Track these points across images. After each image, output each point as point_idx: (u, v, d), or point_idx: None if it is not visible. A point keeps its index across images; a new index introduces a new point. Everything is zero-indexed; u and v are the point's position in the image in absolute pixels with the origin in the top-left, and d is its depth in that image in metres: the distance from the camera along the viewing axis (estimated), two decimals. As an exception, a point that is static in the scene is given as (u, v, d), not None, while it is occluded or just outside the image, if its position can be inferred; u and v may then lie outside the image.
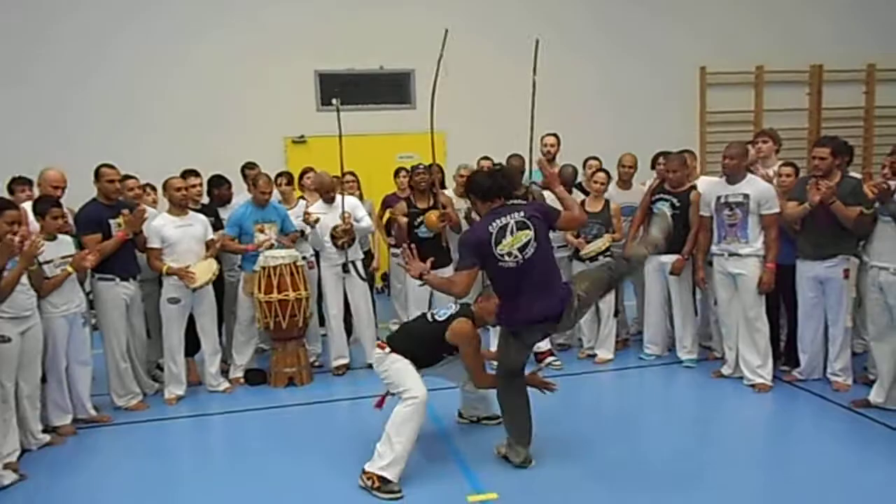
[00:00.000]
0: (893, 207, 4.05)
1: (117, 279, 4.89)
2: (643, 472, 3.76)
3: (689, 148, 6.14)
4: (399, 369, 3.79)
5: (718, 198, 4.96)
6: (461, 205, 5.68)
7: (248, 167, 6.30)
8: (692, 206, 5.27)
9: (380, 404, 3.96)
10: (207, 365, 5.37)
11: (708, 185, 5.21)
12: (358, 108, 8.46)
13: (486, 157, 6.22)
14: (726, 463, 3.85)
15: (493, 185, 3.64)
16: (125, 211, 4.93)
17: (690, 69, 9.66)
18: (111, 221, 4.88)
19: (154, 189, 5.93)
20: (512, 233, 3.54)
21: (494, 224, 3.56)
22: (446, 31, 5.11)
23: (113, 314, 4.91)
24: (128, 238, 4.88)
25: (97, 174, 4.91)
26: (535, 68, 5.21)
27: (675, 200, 5.31)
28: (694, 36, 9.53)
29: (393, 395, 3.81)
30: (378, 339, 6.08)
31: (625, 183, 5.89)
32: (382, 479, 3.56)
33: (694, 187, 5.37)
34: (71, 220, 4.97)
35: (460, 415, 4.55)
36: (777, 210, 4.79)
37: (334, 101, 5.44)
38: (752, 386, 4.93)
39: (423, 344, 3.92)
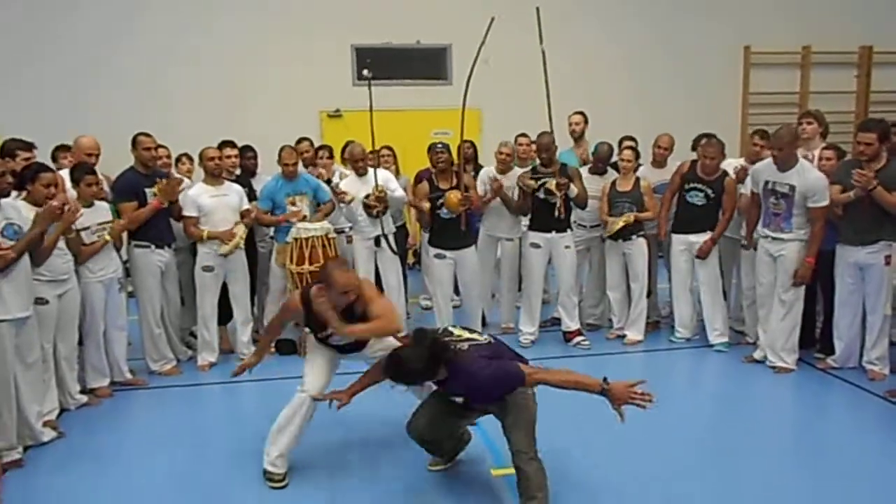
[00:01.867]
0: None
1: (153, 246, 4.99)
2: (666, 454, 3.73)
3: (730, 130, 6.00)
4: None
5: (766, 182, 4.81)
6: (506, 182, 5.65)
7: (299, 142, 6.33)
8: (726, 194, 5.17)
9: None
10: (239, 333, 5.46)
11: (761, 165, 4.96)
12: (393, 84, 8.44)
13: (523, 134, 6.16)
14: (754, 449, 3.80)
15: (426, 369, 3.05)
16: (160, 180, 5.02)
17: (734, 48, 9.43)
18: (147, 190, 4.97)
19: (190, 159, 6.01)
20: None
21: None
22: (492, 18, 5.04)
23: (148, 281, 5.01)
24: (163, 206, 4.97)
25: (134, 142, 4.99)
26: (541, 37, 5.08)
27: (709, 191, 5.22)
28: (739, 14, 9.30)
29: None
30: (408, 313, 6.16)
31: (659, 164, 5.79)
32: None
33: (726, 174, 5.26)
34: (107, 188, 5.07)
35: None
36: (826, 203, 4.59)
37: (366, 72, 5.41)
38: (773, 368, 4.86)
39: None
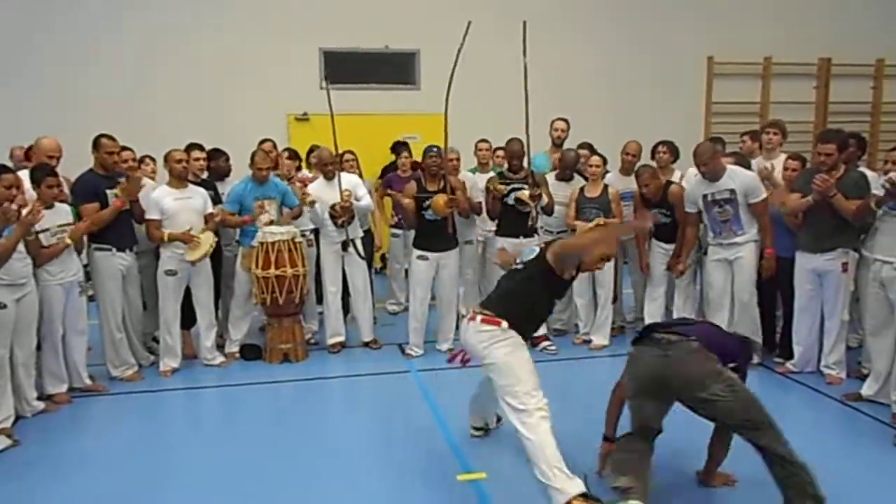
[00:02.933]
0: (903, 204, 4.02)
1: (114, 249, 4.90)
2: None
3: (694, 138, 6.14)
4: (521, 361, 3.27)
5: (705, 196, 4.97)
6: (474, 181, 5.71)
7: (262, 142, 6.28)
8: (676, 207, 5.30)
9: (460, 360, 3.66)
10: (203, 338, 5.39)
11: (690, 185, 5.20)
12: (361, 88, 8.42)
13: (483, 140, 6.24)
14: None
15: None
16: (121, 180, 4.93)
17: (698, 58, 9.60)
18: (108, 192, 4.87)
19: (154, 160, 5.91)
20: None
21: None
22: (469, 22, 5.07)
23: (109, 284, 4.91)
24: (124, 206, 4.88)
25: (95, 144, 4.90)
26: (525, 51, 5.15)
27: (665, 210, 5.35)
28: (702, 25, 9.48)
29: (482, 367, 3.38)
30: (375, 318, 6.13)
31: (627, 171, 5.87)
32: (584, 497, 2.98)
33: (670, 183, 5.41)
34: (67, 189, 4.96)
35: (475, 428, 4.00)
36: (764, 195, 4.86)
37: (324, 83, 5.41)
38: None
39: (531, 296, 3.39)
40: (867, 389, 4.44)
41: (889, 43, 9.80)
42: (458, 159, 6.00)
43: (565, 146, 6.11)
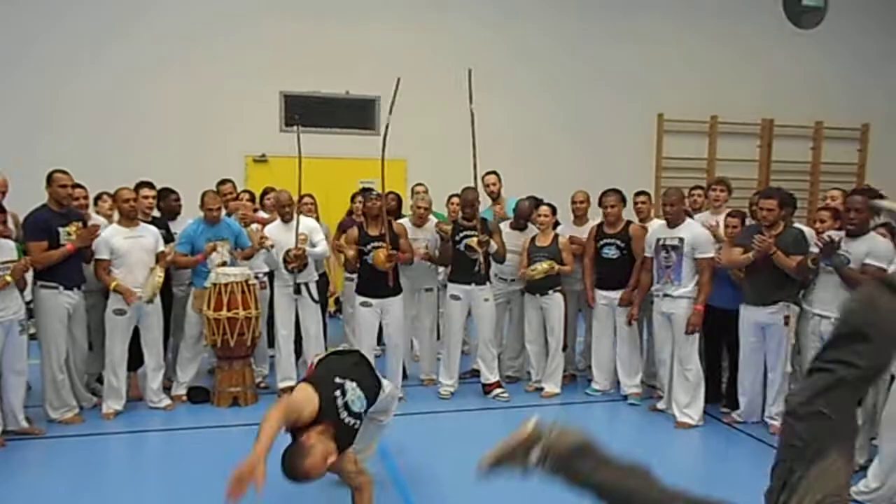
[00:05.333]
0: (837, 261, 4.20)
1: (61, 287, 4.78)
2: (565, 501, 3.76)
3: (645, 190, 6.30)
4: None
5: (658, 240, 5.13)
6: (418, 235, 5.74)
7: (222, 183, 6.24)
8: (634, 240, 5.43)
9: None
10: (150, 380, 5.25)
11: (653, 228, 5.36)
12: (321, 131, 8.48)
13: (420, 184, 6.35)
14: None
15: None
16: (78, 223, 4.84)
17: (650, 115, 9.96)
18: (60, 229, 4.78)
19: (111, 196, 5.82)
20: None
21: None
22: (398, 79, 5.19)
23: (53, 324, 4.78)
24: (76, 251, 4.78)
25: (49, 179, 4.82)
26: (471, 97, 5.28)
27: (618, 242, 5.49)
28: (654, 83, 9.86)
29: None
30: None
31: (579, 219, 6.01)
32: None
33: (630, 222, 5.55)
34: (11, 225, 4.84)
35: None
36: (710, 255, 4.98)
37: (295, 126, 5.43)
38: (676, 423, 5.05)
39: None
40: (808, 440, 4.55)
41: (827, 106, 10.35)
42: (427, 209, 5.87)
43: (519, 195, 6.21)
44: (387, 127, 5.18)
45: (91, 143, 7.92)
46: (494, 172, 6.33)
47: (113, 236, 4.98)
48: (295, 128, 5.44)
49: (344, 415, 2.98)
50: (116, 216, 5.32)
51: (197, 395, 5.46)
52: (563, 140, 9.55)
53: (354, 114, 9.07)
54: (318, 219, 6.56)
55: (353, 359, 3.45)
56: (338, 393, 3.00)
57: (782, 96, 10.19)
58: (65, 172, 4.86)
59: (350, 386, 3.08)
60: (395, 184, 5.54)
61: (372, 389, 3.28)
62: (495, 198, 6.36)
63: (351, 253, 5.35)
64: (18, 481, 4.03)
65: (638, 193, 6.00)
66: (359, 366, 3.38)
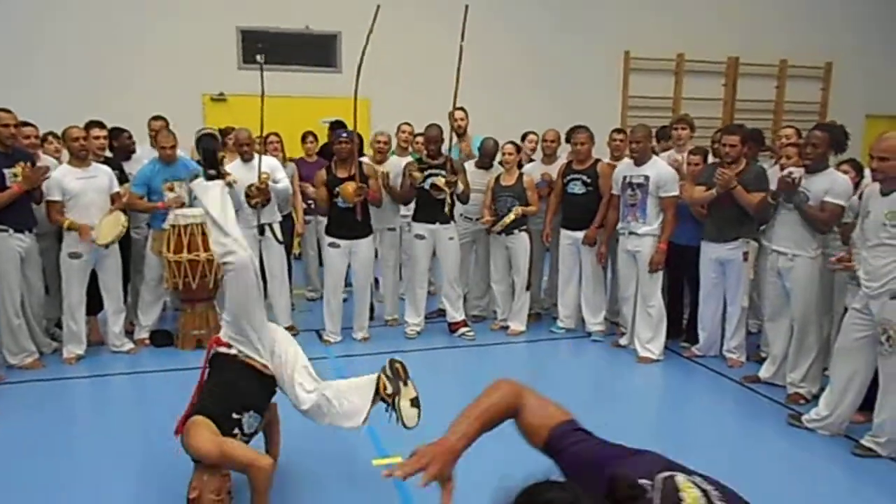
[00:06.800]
0: (797, 199, 4.24)
1: (11, 230, 4.62)
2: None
3: (620, 128, 6.28)
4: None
5: (624, 178, 5.14)
6: (382, 170, 5.65)
7: (154, 119, 6.01)
8: (601, 177, 5.42)
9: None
10: (111, 324, 5.17)
11: (620, 166, 5.36)
12: (281, 69, 8.23)
13: (407, 123, 6.21)
14: (615, 430, 3.99)
15: None
16: (24, 163, 4.65)
17: (616, 52, 9.85)
18: (5, 171, 4.59)
19: (57, 137, 5.60)
20: None
21: None
22: (378, 6, 4.99)
23: (6, 267, 4.63)
24: (23, 192, 4.61)
25: (-9, 119, 4.60)
26: (463, 34, 5.16)
27: (584, 177, 5.47)
28: (620, 19, 9.73)
29: None
30: (293, 304, 6.04)
31: (549, 157, 5.97)
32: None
33: (599, 160, 5.53)
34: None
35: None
36: (675, 193, 5.01)
37: (258, 58, 5.21)
38: (638, 358, 5.16)
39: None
40: (765, 372, 4.71)
41: (793, 44, 10.35)
42: (386, 143, 5.84)
43: (485, 134, 6.14)
44: (361, 61, 4.98)
45: (38, 83, 7.59)
46: (462, 108, 6.24)
47: (64, 176, 4.80)
48: (255, 64, 5.24)
49: (238, 436, 2.96)
50: (65, 157, 5.13)
51: (160, 339, 5.40)
52: (529, 78, 9.42)
53: (315, 51, 8.81)
54: (284, 158, 6.44)
55: (246, 374, 3.08)
56: (235, 430, 2.93)
57: (748, 34, 10.14)
58: (7, 111, 4.65)
59: (247, 417, 2.98)
60: (358, 124, 5.41)
61: (265, 404, 3.16)
62: (461, 134, 6.28)
63: (314, 190, 5.25)
64: (-22, 427, 3.98)
65: (615, 130, 6.00)
66: (248, 386, 3.06)
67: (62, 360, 4.97)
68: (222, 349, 3.13)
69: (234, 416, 2.96)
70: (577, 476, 1.63)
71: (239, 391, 3.02)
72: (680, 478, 1.69)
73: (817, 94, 10.76)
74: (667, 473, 1.62)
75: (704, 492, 1.75)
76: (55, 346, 5.15)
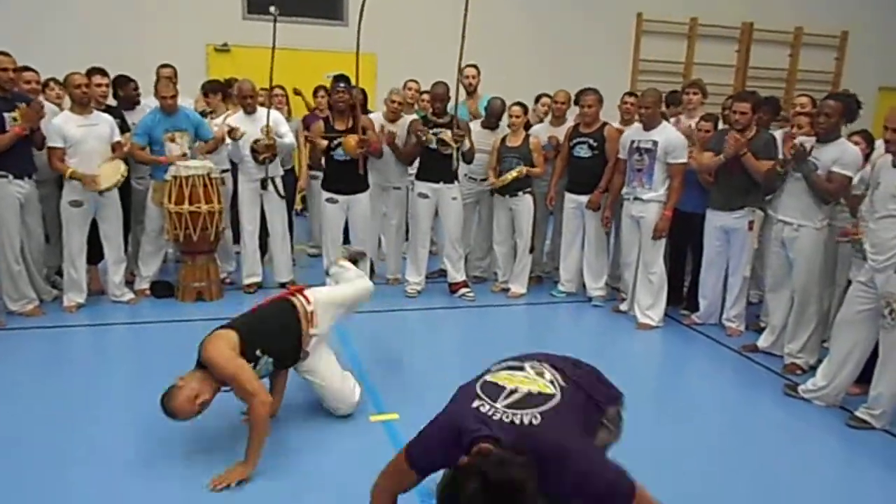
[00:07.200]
0: (805, 168, 4.18)
1: (10, 176, 4.58)
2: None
3: (620, 93, 6.17)
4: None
5: (632, 142, 5.07)
6: (394, 129, 5.57)
7: (162, 67, 5.91)
8: (608, 141, 5.35)
9: None
10: (111, 274, 5.17)
11: (628, 130, 5.28)
12: (285, 20, 8.02)
13: (413, 80, 6.12)
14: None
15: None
16: (22, 104, 4.58)
17: (628, 14, 9.66)
18: (5, 115, 4.53)
19: (58, 83, 5.52)
20: None
21: None
22: None
23: (5, 213, 4.60)
24: (24, 133, 4.55)
25: (-11, 62, 4.52)
26: None
27: (591, 141, 5.39)
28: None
29: None
30: (294, 260, 6.03)
31: (557, 119, 5.89)
32: None
33: (606, 123, 5.45)
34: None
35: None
36: (683, 160, 4.93)
37: (272, 9, 5.09)
38: (637, 324, 5.15)
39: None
40: (763, 342, 4.71)
41: (808, 11, 10.13)
42: (400, 103, 5.64)
43: (492, 94, 6.05)
44: (361, 13, 4.87)
45: (40, 29, 7.46)
46: (475, 66, 6.14)
47: (65, 123, 4.74)
48: (261, 15, 5.12)
49: None
50: (66, 104, 5.06)
51: (161, 290, 5.40)
52: (539, 39, 9.27)
53: (321, 2, 8.62)
54: (289, 112, 6.37)
55: (283, 320, 3.26)
56: (251, 364, 3.03)
57: (764, -1, 9.94)
58: (6, 54, 4.56)
59: (265, 361, 3.12)
60: (363, 80, 5.31)
61: (286, 362, 3.33)
62: (471, 92, 6.19)
63: (322, 142, 5.18)
64: (-22, 371, 4.00)
65: (627, 94, 5.93)
66: (284, 335, 3.23)
67: (62, 308, 4.97)
68: (298, 300, 3.31)
69: (258, 353, 3.06)
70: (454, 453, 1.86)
71: (276, 338, 3.16)
72: (485, 378, 2.06)
73: (831, 64, 10.57)
74: (475, 398, 1.95)
75: (520, 367, 2.10)
76: (55, 294, 5.16)
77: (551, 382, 2.03)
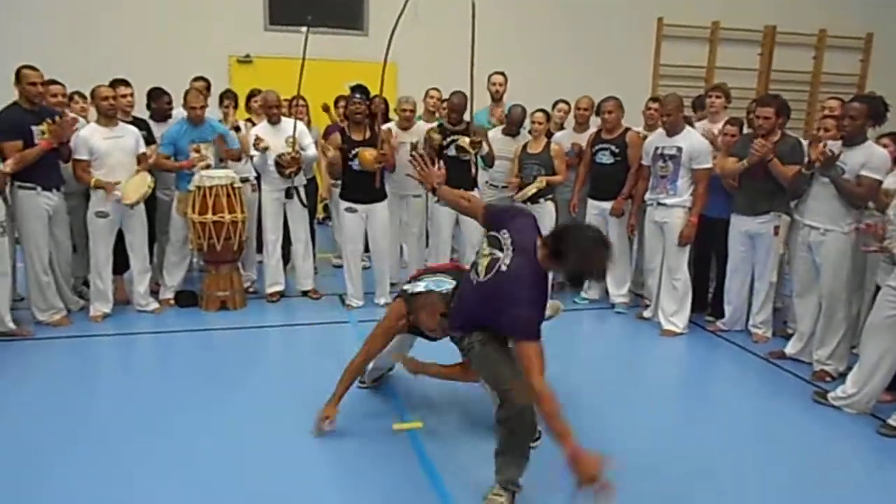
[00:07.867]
0: (833, 172, 4.12)
1: (39, 188, 4.66)
2: (567, 404, 3.83)
3: (641, 99, 6.15)
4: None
5: (656, 149, 5.03)
6: (405, 139, 5.58)
7: (195, 80, 5.99)
8: (630, 147, 5.32)
9: None
10: (136, 284, 5.23)
11: (651, 136, 5.25)
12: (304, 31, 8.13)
13: (435, 89, 6.13)
14: (636, 402, 3.99)
15: None
16: (50, 119, 4.66)
17: (649, 19, 9.61)
18: (34, 128, 4.61)
19: (83, 97, 5.62)
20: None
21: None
22: None
23: (34, 225, 4.68)
24: (52, 148, 4.63)
25: (18, 76, 4.59)
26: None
27: (613, 147, 5.37)
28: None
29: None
30: (316, 269, 6.06)
31: (580, 126, 5.87)
32: None
33: (628, 129, 5.42)
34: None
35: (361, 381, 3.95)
36: (708, 166, 4.88)
37: (308, 20, 5.12)
38: (661, 331, 5.10)
39: None
40: (791, 348, 4.63)
41: (832, 13, 10.00)
42: (412, 110, 5.67)
43: (511, 102, 6.05)
44: (396, 24, 4.86)
45: (64, 41, 7.58)
46: (502, 73, 6.14)
47: (91, 135, 4.82)
48: (282, 26, 5.17)
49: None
50: (92, 116, 5.13)
51: (185, 300, 5.45)
52: (559, 45, 9.22)
53: (341, 13, 8.67)
54: (309, 122, 6.40)
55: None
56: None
57: (786, 2, 9.81)
58: (34, 69, 4.64)
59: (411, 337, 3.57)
60: (385, 89, 5.33)
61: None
62: (498, 99, 6.19)
63: (331, 153, 5.19)
64: (10, 379, 4.05)
65: (651, 99, 5.91)
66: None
67: (89, 318, 5.04)
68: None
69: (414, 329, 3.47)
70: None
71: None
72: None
73: (856, 67, 10.42)
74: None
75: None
76: (82, 304, 5.23)
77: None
